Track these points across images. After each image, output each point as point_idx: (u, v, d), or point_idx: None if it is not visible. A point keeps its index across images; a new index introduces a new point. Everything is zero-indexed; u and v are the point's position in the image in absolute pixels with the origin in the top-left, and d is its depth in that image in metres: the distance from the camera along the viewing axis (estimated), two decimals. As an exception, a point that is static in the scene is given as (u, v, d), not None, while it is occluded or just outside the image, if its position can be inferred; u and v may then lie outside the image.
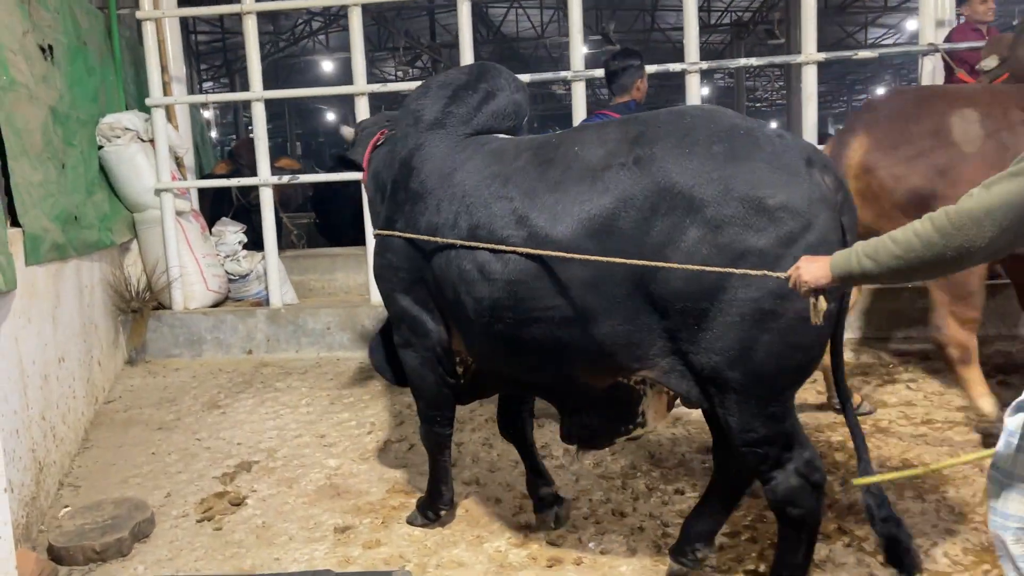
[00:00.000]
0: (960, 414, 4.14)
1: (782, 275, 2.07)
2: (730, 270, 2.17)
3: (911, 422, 4.11)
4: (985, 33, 5.25)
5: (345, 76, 15.26)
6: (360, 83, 5.48)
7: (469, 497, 3.57)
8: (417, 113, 3.06)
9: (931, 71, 4.96)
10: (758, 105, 28.88)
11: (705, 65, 5.14)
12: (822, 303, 2.00)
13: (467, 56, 5.43)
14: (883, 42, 20.88)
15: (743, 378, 2.32)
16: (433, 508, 3.33)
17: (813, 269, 1.94)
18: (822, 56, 5.06)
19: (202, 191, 7.25)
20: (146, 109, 5.67)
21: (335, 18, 17.26)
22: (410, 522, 3.35)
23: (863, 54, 5.30)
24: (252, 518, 3.49)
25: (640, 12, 19.17)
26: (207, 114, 23.80)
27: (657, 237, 2.32)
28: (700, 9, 18.87)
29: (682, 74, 5.21)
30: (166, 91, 6.11)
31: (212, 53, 18.24)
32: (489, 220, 2.63)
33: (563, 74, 5.45)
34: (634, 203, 2.35)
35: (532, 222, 2.53)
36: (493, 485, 3.68)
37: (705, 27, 19.06)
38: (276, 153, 27.16)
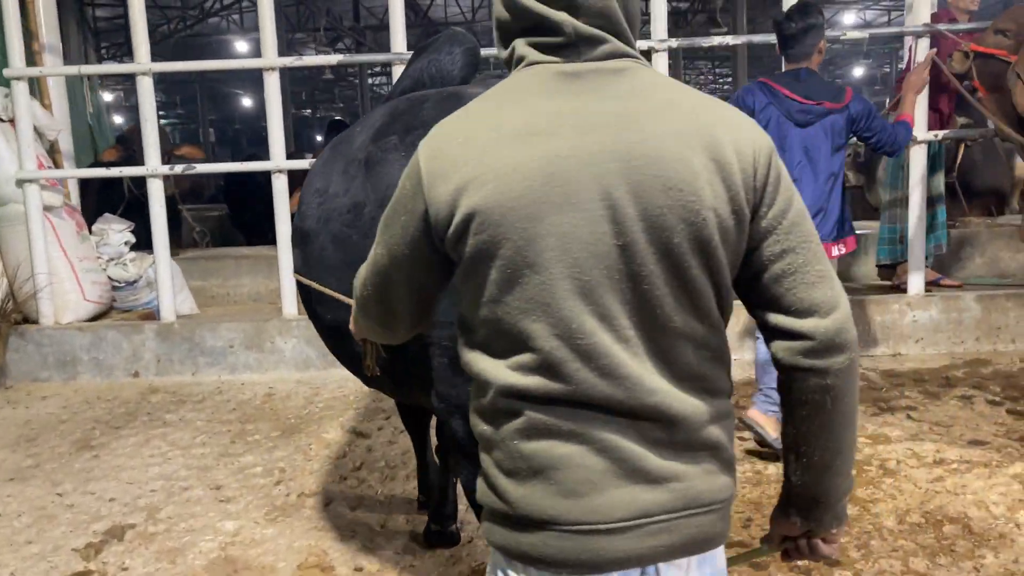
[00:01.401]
0: (976, 450, 3.57)
1: None
2: None
3: (922, 462, 3.51)
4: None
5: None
6: (270, 56, 4.62)
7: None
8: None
9: (924, 53, 4.38)
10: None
11: (674, 43, 4.46)
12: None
13: (399, 40, 4.62)
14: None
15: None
16: None
17: None
18: (805, 35, 4.42)
19: (88, 182, 6.27)
20: (6, 83, 4.69)
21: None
22: None
23: (852, 35, 4.69)
24: (116, 616, 2.66)
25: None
26: (108, 97, 22.30)
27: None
28: (635, -3, 18.46)
29: (648, 53, 4.52)
30: (35, 62, 5.14)
31: (115, 31, 16.83)
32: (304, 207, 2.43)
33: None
34: (362, 210, 2.14)
35: (311, 213, 2.34)
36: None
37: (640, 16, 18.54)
38: (188, 139, 25.83)
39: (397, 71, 4.60)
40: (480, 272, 1.10)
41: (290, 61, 4.57)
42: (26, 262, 4.68)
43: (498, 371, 1.13)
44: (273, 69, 4.62)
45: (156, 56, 4.84)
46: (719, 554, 1.18)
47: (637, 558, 1.10)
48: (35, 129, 4.80)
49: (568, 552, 1.10)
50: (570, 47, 1.11)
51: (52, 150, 5.40)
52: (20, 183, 4.60)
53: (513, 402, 1.12)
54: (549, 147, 1.06)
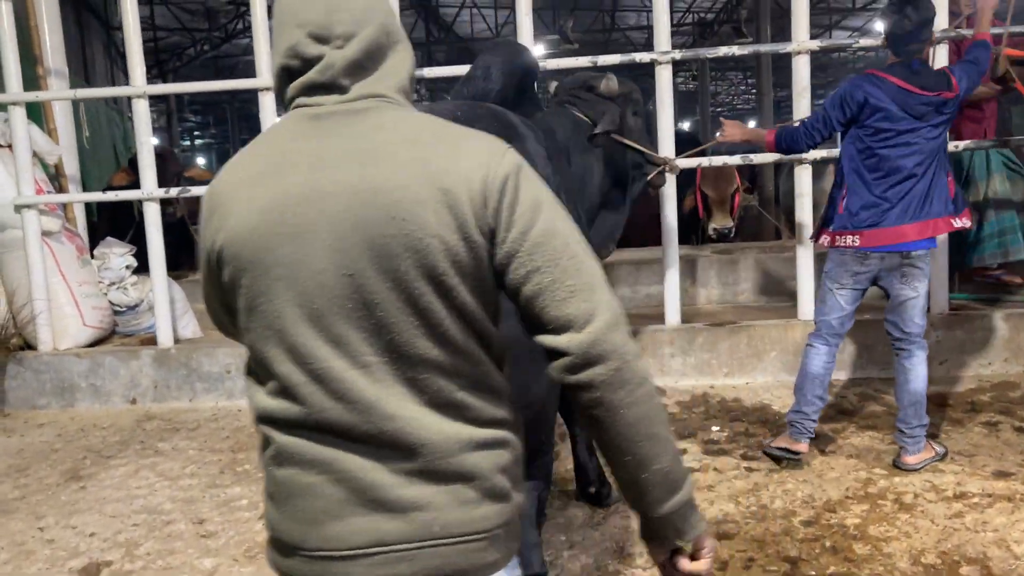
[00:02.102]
0: (1000, 482, 3.33)
1: None
2: None
3: (941, 496, 3.29)
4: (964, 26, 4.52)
5: (286, 77, 14.19)
6: (265, 76, 4.54)
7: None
8: None
9: (943, 59, 4.14)
10: (721, 109, 28.30)
11: (678, 55, 4.30)
12: None
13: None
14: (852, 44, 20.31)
15: None
16: None
17: None
18: (816, 44, 4.27)
19: (100, 206, 6.26)
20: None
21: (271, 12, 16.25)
22: None
23: (864, 42, 4.49)
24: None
25: (600, 12, 18.41)
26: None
27: None
28: (661, 9, 18.29)
29: (651, 66, 4.36)
30: (39, 87, 5.13)
31: (145, 54, 17.06)
32: None
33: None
34: None
35: None
36: None
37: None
38: (222, 159, 26.09)
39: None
40: (234, 300, 1.17)
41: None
42: (25, 287, 4.64)
43: (257, 396, 1.19)
44: (267, 89, 4.54)
45: (185, 77, 4.77)
46: None
47: None
48: (35, 154, 4.76)
49: (324, 571, 1.14)
50: (323, 90, 1.17)
51: (57, 174, 5.38)
52: (18, 208, 4.57)
53: (266, 427, 1.18)
54: (285, 184, 1.13)
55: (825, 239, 3.49)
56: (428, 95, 24.29)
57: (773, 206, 8.67)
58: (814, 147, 3.56)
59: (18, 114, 4.58)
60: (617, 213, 3.32)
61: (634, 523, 3.18)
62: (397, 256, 1.09)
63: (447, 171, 1.10)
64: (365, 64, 1.17)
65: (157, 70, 16.11)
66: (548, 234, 1.13)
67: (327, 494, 1.13)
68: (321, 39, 1.15)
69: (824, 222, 3.54)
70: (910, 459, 3.47)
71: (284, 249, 1.11)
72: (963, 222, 3.43)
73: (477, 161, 1.12)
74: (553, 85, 3.45)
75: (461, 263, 1.11)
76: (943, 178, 3.38)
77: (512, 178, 1.13)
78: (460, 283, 1.11)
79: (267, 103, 4.59)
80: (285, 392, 1.14)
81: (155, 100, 20.88)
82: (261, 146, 1.21)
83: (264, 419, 1.18)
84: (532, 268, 1.11)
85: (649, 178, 3.40)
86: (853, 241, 3.36)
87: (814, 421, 3.53)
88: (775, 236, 7.29)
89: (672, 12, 18.03)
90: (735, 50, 4.52)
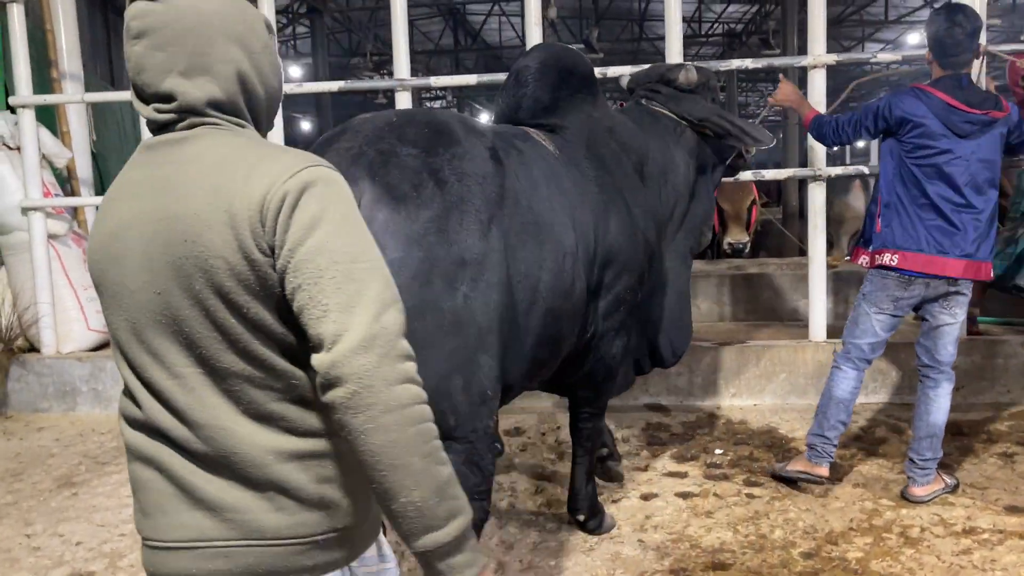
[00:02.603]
0: (1012, 518, 3.19)
1: None
2: None
3: (949, 531, 3.15)
4: None
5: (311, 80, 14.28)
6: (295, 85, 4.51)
7: None
8: None
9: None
10: (750, 120, 27.98)
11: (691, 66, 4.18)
12: None
13: (402, 66, 4.47)
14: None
15: None
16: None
17: None
18: (832, 58, 4.15)
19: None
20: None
21: (295, 17, 16.38)
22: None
23: (882, 57, 4.35)
24: None
25: (628, 22, 18.31)
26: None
27: None
28: (691, 20, 18.15)
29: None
30: (54, 90, 5.15)
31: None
32: None
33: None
34: None
35: None
36: None
37: (696, 39, 18.26)
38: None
39: (400, 98, 4.45)
40: None
41: (291, 88, 4.44)
42: (30, 290, 4.64)
43: (121, 397, 1.32)
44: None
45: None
46: None
47: (204, 574, 1.22)
48: (44, 157, 4.77)
49: (149, 564, 1.27)
50: (166, 124, 1.25)
51: (69, 176, 5.40)
52: (25, 211, 4.57)
53: (121, 423, 1.30)
54: (119, 210, 1.25)
55: (864, 259, 3.31)
56: (456, 102, 24.33)
57: (798, 221, 8.52)
58: (839, 145, 3.50)
59: (27, 117, 4.59)
60: (706, 202, 3.34)
61: (624, 549, 3.09)
62: (192, 276, 1.16)
63: (236, 194, 1.15)
64: (191, 98, 1.23)
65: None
66: (316, 251, 1.13)
67: (159, 489, 1.23)
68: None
69: (862, 241, 3.37)
70: (918, 490, 3.34)
71: (112, 271, 1.24)
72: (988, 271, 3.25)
73: (263, 182, 1.15)
74: (624, 79, 3.44)
75: (247, 282, 1.16)
76: (994, 215, 3.19)
77: (292, 196, 1.14)
78: (251, 300, 1.16)
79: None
80: (129, 394, 1.27)
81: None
82: (120, 174, 1.31)
83: (121, 416, 1.31)
84: (297, 284, 1.13)
85: (728, 162, 3.40)
86: (891, 260, 3.18)
87: (835, 445, 3.41)
88: (799, 252, 7.14)
89: (701, 22, 18.00)
90: (748, 63, 4.40)
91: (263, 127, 1.35)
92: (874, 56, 4.41)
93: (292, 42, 18.06)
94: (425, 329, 1.98)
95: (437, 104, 24.54)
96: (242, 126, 1.28)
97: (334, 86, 4.80)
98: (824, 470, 3.40)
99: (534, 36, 4.33)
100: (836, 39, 18.67)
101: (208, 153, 1.21)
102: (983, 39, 4.27)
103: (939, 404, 3.29)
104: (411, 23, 18.48)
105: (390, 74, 18.09)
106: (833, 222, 6.42)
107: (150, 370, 1.21)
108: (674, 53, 4.23)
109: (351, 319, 1.11)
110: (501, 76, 5.17)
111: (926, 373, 3.32)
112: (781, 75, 4.67)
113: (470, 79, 4.46)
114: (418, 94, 21.37)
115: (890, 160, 3.23)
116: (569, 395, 3.04)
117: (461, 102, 24.23)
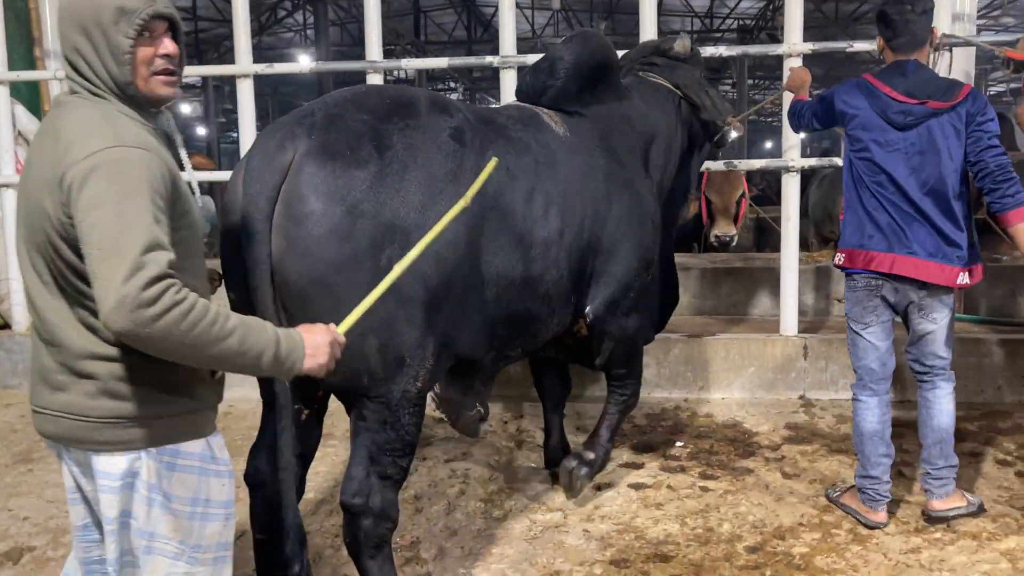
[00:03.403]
0: (970, 519, 3.11)
1: None
2: None
3: (901, 528, 3.08)
4: None
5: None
6: (244, 62, 4.49)
7: None
8: None
9: (947, 65, 3.88)
10: (762, 118, 27.72)
11: (684, 34, 4.14)
12: None
13: (374, 49, 4.44)
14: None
15: None
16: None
17: None
18: (808, 47, 4.06)
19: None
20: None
21: (297, 5, 16.45)
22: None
23: (859, 46, 4.27)
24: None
25: (639, 16, 18.18)
26: (187, 108, 22.88)
27: None
28: (704, 16, 18.01)
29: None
30: (38, 67, 5.16)
31: (187, 46, 17.30)
32: None
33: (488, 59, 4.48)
34: None
35: None
36: None
37: (709, 34, 18.13)
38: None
39: (371, 79, 4.41)
40: None
41: (262, 68, 4.42)
42: (1, 267, 4.65)
43: None
44: (247, 76, 4.49)
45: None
46: (110, 461, 1.64)
47: (47, 433, 1.71)
48: (20, 134, 4.78)
49: (33, 422, 1.75)
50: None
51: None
52: (-3, 188, 4.59)
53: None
54: (30, 154, 1.68)
55: (839, 257, 3.11)
56: (467, 88, 24.27)
57: (799, 220, 8.37)
58: (798, 131, 3.55)
59: (1, 93, 4.59)
60: (689, 170, 3.54)
61: (568, 539, 3.04)
62: (39, 215, 1.58)
63: (59, 163, 1.53)
64: (73, 62, 1.65)
65: (197, 60, 16.31)
66: (91, 227, 1.48)
67: (35, 369, 1.71)
68: None
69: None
70: (937, 504, 3.07)
71: (19, 204, 1.70)
72: (964, 278, 2.94)
73: (67, 160, 1.51)
74: (621, 55, 3.52)
75: (63, 235, 1.56)
76: (961, 214, 2.94)
77: (79, 178, 1.49)
78: (66, 248, 1.57)
79: (244, 88, 4.53)
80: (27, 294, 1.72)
81: (198, 90, 21.15)
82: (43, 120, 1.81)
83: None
84: (83, 252, 1.49)
85: (715, 139, 3.50)
86: (839, 259, 3.07)
87: (887, 483, 3.07)
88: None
89: (713, 17, 17.87)
90: (723, 50, 4.33)
91: (136, 101, 1.67)
92: (850, 45, 4.32)
93: (303, 30, 18.11)
94: (345, 283, 2.08)
95: (454, 96, 24.52)
96: (103, 97, 1.64)
97: (306, 67, 4.79)
98: (880, 515, 3.08)
99: (507, 21, 4.29)
100: (853, 36, 18.48)
101: (61, 121, 1.61)
102: (968, 31, 4.19)
103: (941, 407, 3.06)
104: (424, 14, 18.49)
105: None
106: (834, 220, 6.31)
107: (29, 276, 1.66)
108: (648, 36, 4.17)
109: (109, 285, 1.44)
110: (471, 60, 5.18)
111: (921, 378, 3.10)
112: (791, 64, 4.53)
113: (441, 62, 4.46)
114: (432, 83, 21.35)
115: (846, 156, 3.09)
116: (604, 371, 3.28)
117: (474, 93, 24.17)
